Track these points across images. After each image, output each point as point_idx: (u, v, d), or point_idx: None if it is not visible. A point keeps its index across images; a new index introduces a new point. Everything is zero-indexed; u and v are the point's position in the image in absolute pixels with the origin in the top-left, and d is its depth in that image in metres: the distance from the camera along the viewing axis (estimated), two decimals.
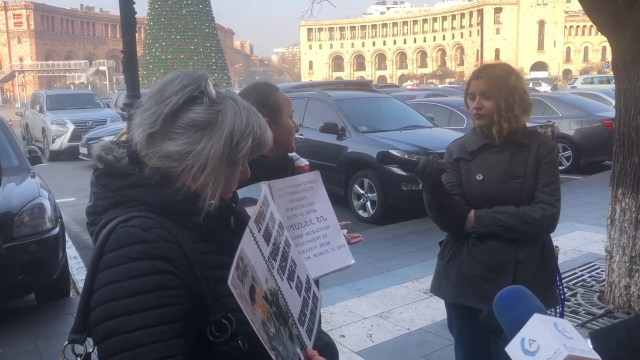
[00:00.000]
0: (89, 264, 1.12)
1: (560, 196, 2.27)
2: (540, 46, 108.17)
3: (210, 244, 1.18)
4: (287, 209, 1.81)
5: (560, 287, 2.39)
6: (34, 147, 6.08)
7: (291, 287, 1.22)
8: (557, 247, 2.40)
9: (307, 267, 1.43)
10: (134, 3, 5.07)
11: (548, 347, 0.96)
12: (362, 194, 7.76)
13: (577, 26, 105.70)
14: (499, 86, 2.18)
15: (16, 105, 40.60)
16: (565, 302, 4.30)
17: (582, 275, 4.96)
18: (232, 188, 1.25)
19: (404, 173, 6.88)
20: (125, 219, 1.12)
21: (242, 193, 1.51)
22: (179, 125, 1.16)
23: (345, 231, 2.04)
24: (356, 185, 7.84)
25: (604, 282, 4.37)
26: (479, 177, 2.26)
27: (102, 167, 1.19)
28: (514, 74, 2.25)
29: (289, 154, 2.15)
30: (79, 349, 1.14)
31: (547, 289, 2.31)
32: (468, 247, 2.30)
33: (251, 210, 1.26)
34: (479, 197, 2.27)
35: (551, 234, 2.38)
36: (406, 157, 2.58)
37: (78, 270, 5.68)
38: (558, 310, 2.42)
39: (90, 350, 1.14)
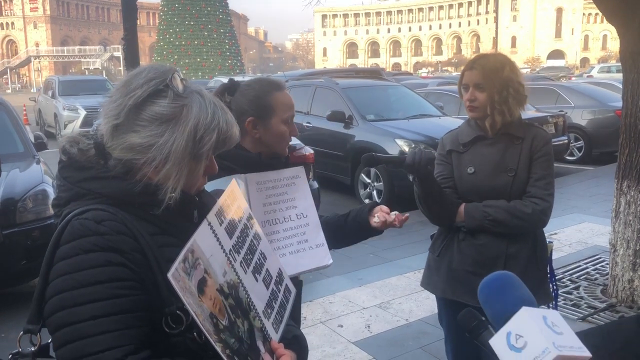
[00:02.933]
0: (45, 255, 1.14)
1: (554, 191, 2.22)
2: (558, 34, 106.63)
3: (170, 236, 1.19)
4: (264, 204, 1.78)
5: (554, 283, 2.36)
6: (40, 134, 6.10)
7: (257, 280, 1.22)
8: (550, 242, 2.36)
9: (282, 264, 1.42)
10: None
11: (536, 345, 0.92)
12: (369, 183, 7.73)
13: (597, 14, 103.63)
14: (492, 78, 2.14)
15: (32, 91, 40.97)
16: (568, 295, 4.26)
17: (587, 268, 4.90)
18: (196, 182, 1.24)
19: None
20: (81, 212, 1.13)
21: (215, 185, 1.49)
22: (142, 118, 1.16)
23: (395, 213, 1.92)
24: (362, 174, 7.81)
25: (608, 276, 4.32)
26: (471, 169, 2.23)
27: (65, 159, 1.22)
28: (509, 65, 2.19)
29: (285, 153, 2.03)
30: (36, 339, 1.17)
31: (539, 285, 2.27)
32: (458, 242, 2.27)
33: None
34: (470, 190, 2.24)
35: (558, 225, 2.33)
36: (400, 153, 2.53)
37: None
38: (551, 307, 2.39)
39: (49, 342, 1.15)
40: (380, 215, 1.90)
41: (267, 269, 1.28)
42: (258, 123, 1.84)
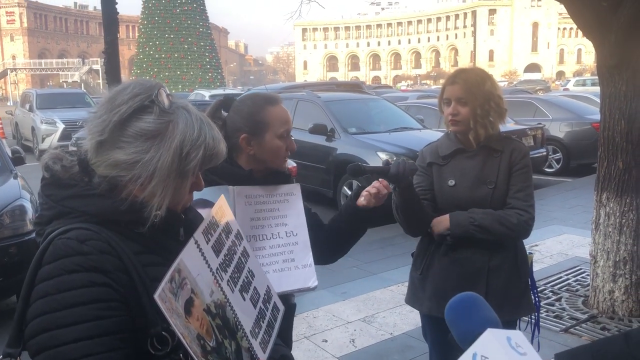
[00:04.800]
0: (27, 275, 1.10)
1: (534, 202, 2.25)
2: (534, 48, 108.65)
3: (155, 255, 1.16)
4: (251, 218, 1.75)
5: (536, 294, 2.37)
6: (18, 148, 6.00)
7: (244, 299, 1.20)
8: (530, 253, 2.39)
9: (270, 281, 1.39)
10: (116, 4, 5.01)
11: None
12: None
13: (571, 28, 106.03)
14: (475, 92, 2.16)
15: (8, 104, 40.24)
16: (550, 307, 4.29)
17: (568, 279, 4.94)
18: (182, 199, 1.21)
19: None
20: (64, 231, 1.10)
21: (201, 194, 1.46)
22: (127, 134, 1.13)
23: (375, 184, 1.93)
24: (345, 187, 7.81)
25: (589, 287, 4.36)
26: (451, 182, 2.25)
27: (48, 177, 1.18)
28: (489, 79, 2.23)
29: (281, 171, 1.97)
30: None
31: (522, 296, 2.29)
32: (439, 258, 2.28)
33: (204, 213, 1.23)
34: (450, 201, 2.25)
35: (539, 237, 2.36)
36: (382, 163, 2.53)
37: None
38: (534, 318, 2.40)
39: None
40: (363, 194, 1.92)
41: (254, 286, 1.26)
42: (252, 139, 1.81)
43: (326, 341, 3.85)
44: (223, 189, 1.68)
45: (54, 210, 1.16)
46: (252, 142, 1.82)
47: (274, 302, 1.34)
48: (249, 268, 1.27)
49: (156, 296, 0.94)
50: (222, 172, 1.72)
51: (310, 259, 1.81)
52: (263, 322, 1.24)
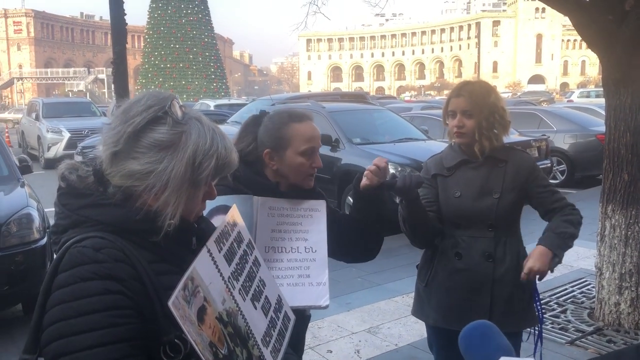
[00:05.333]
0: (44, 283, 1.13)
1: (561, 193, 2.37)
2: (538, 59, 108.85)
3: (168, 264, 1.18)
4: (272, 230, 1.76)
5: (539, 305, 2.37)
6: (25, 156, 6.04)
7: (255, 308, 1.22)
8: None
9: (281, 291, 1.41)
10: (125, 14, 5.08)
11: None
12: None
13: (575, 40, 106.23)
14: (480, 105, 2.18)
15: (6, 113, 39.97)
16: (555, 319, 4.28)
17: (573, 291, 4.93)
18: (195, 208, 1.23)
19: None
20: (80, 239, 1.13)
21: (222, 200, 1.48)
22: (142, 145, 1.16)
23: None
24: (349, 197, 7.82)
25: (594, 299, 4.35)
26: (457, 193, 2.26)
27: (64, 186, 1.21)
28: (494, 92, 2.26)
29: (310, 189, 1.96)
30: None
31: (525, 307, 2.30)
32: (444, 269, 2.29)
33: (221, 221, 1.25)
34: (455, 213, 2.27)
35: None
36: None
37: None
38: (537, 330, 2.40)
39: None
40: (365, 175, 1.93)
41: (266, 296, 1.27)
42: (274, 155, 1.84)
43: (331, 352, 3.85)
44: (247, 198, 1.71)
45: (69, 219, 1.18)
46: (275, 158, 1.85)
47: (285, 312, 1.35)
48: (260, 277, 1.28)
49: (170, 303, 0.95)
50: (249, 182, 1.77)
51: (325, 277, 1.79)
52: (274, 331, 1.25)
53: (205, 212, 1.32)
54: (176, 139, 1.17)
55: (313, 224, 1.82)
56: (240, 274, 1.20)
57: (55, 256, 1.15)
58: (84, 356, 1.03)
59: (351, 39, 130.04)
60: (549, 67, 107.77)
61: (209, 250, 1.11)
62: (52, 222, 1.25)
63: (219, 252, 1.15)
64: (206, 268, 1.08)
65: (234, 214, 1.28)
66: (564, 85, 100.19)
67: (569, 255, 5.85)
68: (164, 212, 1.15)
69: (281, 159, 1.84)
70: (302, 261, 1.77)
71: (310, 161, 1.86)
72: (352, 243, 2.01)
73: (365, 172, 1.94)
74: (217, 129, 1.23)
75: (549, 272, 2.16)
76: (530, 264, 2.11)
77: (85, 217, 1.16)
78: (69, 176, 1.21)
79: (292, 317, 1.38)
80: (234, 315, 1.12)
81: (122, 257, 1.11)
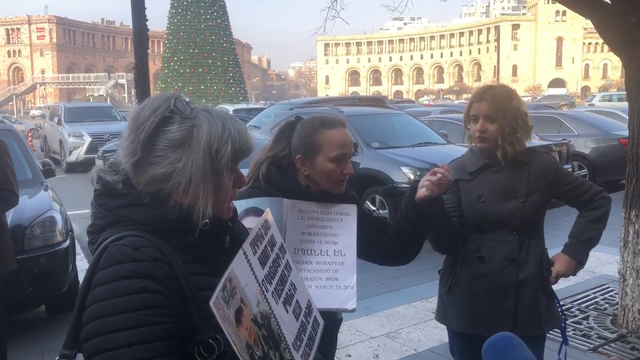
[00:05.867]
0: (83, 281, 1.15)
1: (588, 182, 2.40)
2: (559, 63, 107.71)
3: (202, 265, 1.20)
4: (302, 232, 1.78)
5: (559, 305, 2.37)
6: (48, 160, 6.14)
7: (287, 312, 1.22)
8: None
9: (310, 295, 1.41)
10: (147, 20, 5.14)
11: None
12: (374, 211, 7.72)
13: (597, 43, 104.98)
14: (503, 109, 2.17)
15: (30, 114, 40.68)
16: (577, 325, 4.22)
17: (595, 297, 4.86)
18: (226, 198, 1.24)
19: None
20: (118, 238, 1.15)
21: (254, 202, 1.50)
22: (158, 148, 1.18)
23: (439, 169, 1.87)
24: (367, 202, 7.80)
25: (618, 306, 4.28)
26: (481, 198, 2.25)
27: (100, 187, 1.23)
28: (516, 96, 2.25)
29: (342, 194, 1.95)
30: None
31: (550, 309, 2.29)
32: (467, 274, 2.28)
33: (256, 221, 1.26)
34: (479, 217, 2.25)
35: None
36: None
37: None
38: (559, 332, 2.38)
39: None
40: (424, 184, 1.84)
41: (297, 300, 1.28)
42: (305, 160, 1.86)
43: (350, 356, 3.84)
44: (278, 200, 1.73)
45: (106, 219, 1.20)
46: (306, 164, 1.87)
47: (315, 316, 1.35)
48: (291, 281, 1.29)
49: (211, 303, 0.96)
50: (280, 185, 1.80)
51: (353, 281, 1.80)
52: (304, 336, 1.25)
53: (238, 213, 1.33)
54: (188, 134, 1.18)
55: (343, 228, 1.83)
56: (273, 277, 1.21)
57: (92, 255, 1.17)
58: (121, 354, 1.05)
59: (369, 43, 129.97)
60: (569, 71, 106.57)
61: (244, 252, 1.12)
62: (72, 224, 1.27)
63: (254, 254, 1.16)
64: (242, 270, 1.09)
65: (268, 218, 1.30)
66: (585, 89, 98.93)
67: (591, 261, 5.76)
68: (196, 207, 1.17)
69: (312, 165, 1.86)
70: (331, 264, 1.78)
71: (341, 167, 1.86)
72: (393, 249, 1.99)
73: (424, 182, 1.87)
74: (227, 115, 1.24)
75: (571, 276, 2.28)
76: (557, 268, 2.25)
77: (122, 217, 1.18)
78: (105, 177, 1.23)
79: (322, 322, 1.39)
80: (267, 318, 1.13)
81: (159, 257, 1.12)
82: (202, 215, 1.17)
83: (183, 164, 1.16)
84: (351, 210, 1.86)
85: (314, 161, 1.85)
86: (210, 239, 1.21)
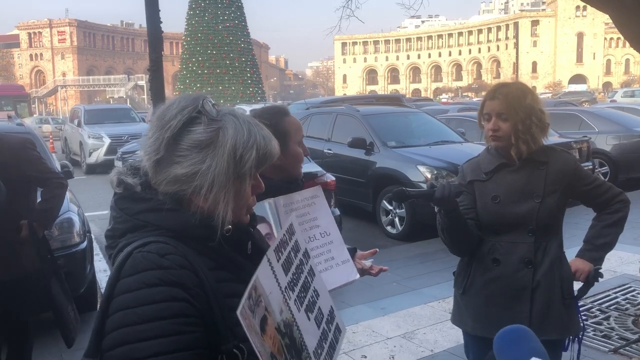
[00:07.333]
0: (105, 287, 1.12)
1: (608, 183, 2.36)
2: (579, 59, 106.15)
3: (226, 271, 1.18)
4: None
5: (579, 313, 2.31)
6: (66, 162, 6.22)
7: (309, 319, 1.19)
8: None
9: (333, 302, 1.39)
10: (161, 22, 5.18)
11: None
12: (391, 210, 7.68)
13: (618, 38, 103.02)
14: (515, 107, 2.13)
15: (50, 118, 41.33)
16: (597, 326, 4.14)
17: (617, 297, 4.77)
18: (246, 203, 1.22)
19: None
20: (143, 244, 1.12)
21: None
22: (182, 148, 1.16)
23: (371, 261, 2.01)
24: (384, 201, 7.77)
25: (639, 306, 4.20)
26: (496, 198, 2.20)
27: (121, 191, 1.21)
28: (530, 93, 2.19)
29: (300, 177, 2.08)
30: None
31: (567, 314, 2.23)
32: (481, 276, 2.24)
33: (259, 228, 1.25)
34: (495, 218, 2.21)
35: None
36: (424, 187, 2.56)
37: None
38: (577, 338, 2.33)
39: None
40: (357, 262, 1.96)
41: (319, 306, 1.25)
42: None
43: (365, 357, 3.81)
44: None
45: (128, 224, 1.17)
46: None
47: (337, 323, 1.33)
48: (314, 287, 1.26)
49: (238, 313, 0.94)
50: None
51: (347, 253, 1.89)
52: (325, 343, 1.23)
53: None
54: (214, 136, 1.16)
55: (319, 210, 1.89)
56: (296, 284, 1.18)
57: (117, 261, 1.13)
58: None
59: (387, 42, 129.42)
60: (590, 67, 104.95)
61: (268, 260, 1.09)
62: (92, 225, 1.25)
63: (277, 261, 1.13)
64: (267, 278, 1.06)
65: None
66: (607, 85, 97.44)
67: (612, 261, 5.71)
68: (216, 211, 1.15)
69: (284, 153, 1.85)
70: (323, 246, 1.84)
71: (303, 149, 1.95)
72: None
73: (357, 262, 1.97)
74: (252, 121, 1.22)
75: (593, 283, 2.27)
76: (576, 266, 2.25)
77: (144, 222, 1.16)
78: (125, 180, 1.20)
79: (344, 329, 1.36)
80: (290, 326, 1.10)
81: (186, 264, 1.10)
82: (222, 221, 1.15)
83: (206, 166, 1.14)
84: (318, 191, 1.92)
85: (286, 148, 1.89)
86: (233, 244, 1.19)
